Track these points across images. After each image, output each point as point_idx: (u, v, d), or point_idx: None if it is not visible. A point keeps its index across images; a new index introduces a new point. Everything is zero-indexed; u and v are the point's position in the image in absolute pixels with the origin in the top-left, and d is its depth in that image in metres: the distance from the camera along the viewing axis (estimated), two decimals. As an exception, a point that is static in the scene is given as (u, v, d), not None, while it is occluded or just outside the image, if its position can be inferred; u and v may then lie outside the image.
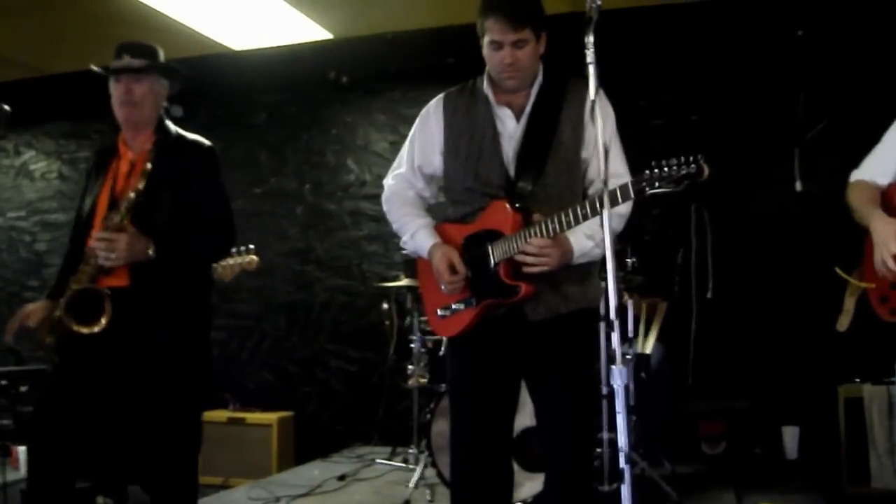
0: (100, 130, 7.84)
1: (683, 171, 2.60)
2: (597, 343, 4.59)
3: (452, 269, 3.09)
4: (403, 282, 5.89)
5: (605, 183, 2.54)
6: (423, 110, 3.33)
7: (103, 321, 3.33)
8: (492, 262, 3.05)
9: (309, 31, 6.98)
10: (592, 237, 2.98)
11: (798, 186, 5.96)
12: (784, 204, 6.06)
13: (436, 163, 3.28)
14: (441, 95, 3.31)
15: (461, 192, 3.20)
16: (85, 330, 3.35)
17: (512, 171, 3.10)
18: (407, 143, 3.36)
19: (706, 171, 2.58)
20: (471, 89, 3.25)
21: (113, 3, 6.28)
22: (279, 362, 7.51)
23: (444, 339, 3.36)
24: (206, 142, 3.73)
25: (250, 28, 6.88)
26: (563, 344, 3.08)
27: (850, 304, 3.36)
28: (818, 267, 3.40)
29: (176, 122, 3.79)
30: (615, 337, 2.46)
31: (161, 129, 3.65)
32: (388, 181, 3.41)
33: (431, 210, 3.38)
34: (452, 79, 3.36)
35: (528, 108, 3.13)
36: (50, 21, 6.76)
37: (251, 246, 4.76)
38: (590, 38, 2.59)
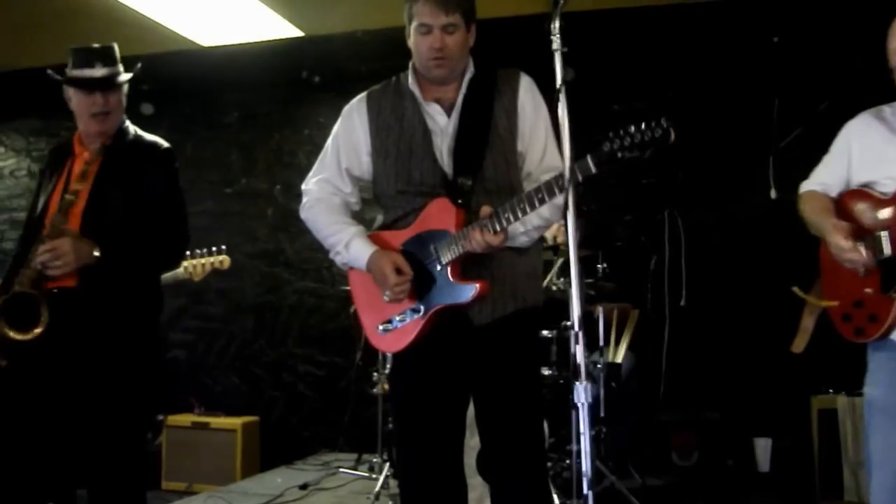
0: (70, 128, 7.64)
1: (647, 137, 2.47)
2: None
3: (398, 272, 2.88)
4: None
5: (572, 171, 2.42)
6: (345, 109, 3.13)
7: (37, 330, 3.24)
8: (438, 264, 2.87)
9: (279, 27, 6.87)
10: (523, 222, 2.80)
11: (773, 194, 5.90)
12: (759, 212, 5.98)
13: (364, 165, 3.07)
14: (363, 94, 3.13)
15: (393, 195, 3.01)
16: (19, 336, 3.26)
17: (448, 169, 2.93)
18: (329, 146, 3.14)
19: (673, 134, 2.44)
20: (395, 87, 3.08)
21: (79, -2, 6.18)
22: (246, 366, 7.39)
23: (389, 355, 3.13)
24: (164, 143, 3.62)
25: (219, 23, 6.77)
26: (509, 346, 2.91)
27: (808, 322, 3.24)
28: (793, 276, 3.30)
29: (147, 121, 3.68)
30: (579, 350, 2.33)
31: (118, 129, 3.55)
32: (308, 188, 3.15)
33: (356, 219, 3.15)
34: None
35: (458, 102, 2.98)
36: (16, 16, 6.64)
37: (223, 247, 4.71)
38: (555, 24, 2.45)
